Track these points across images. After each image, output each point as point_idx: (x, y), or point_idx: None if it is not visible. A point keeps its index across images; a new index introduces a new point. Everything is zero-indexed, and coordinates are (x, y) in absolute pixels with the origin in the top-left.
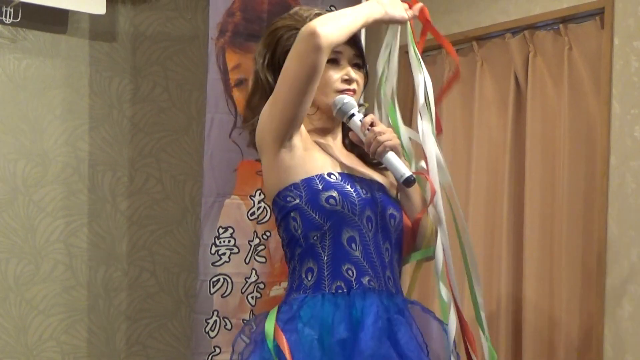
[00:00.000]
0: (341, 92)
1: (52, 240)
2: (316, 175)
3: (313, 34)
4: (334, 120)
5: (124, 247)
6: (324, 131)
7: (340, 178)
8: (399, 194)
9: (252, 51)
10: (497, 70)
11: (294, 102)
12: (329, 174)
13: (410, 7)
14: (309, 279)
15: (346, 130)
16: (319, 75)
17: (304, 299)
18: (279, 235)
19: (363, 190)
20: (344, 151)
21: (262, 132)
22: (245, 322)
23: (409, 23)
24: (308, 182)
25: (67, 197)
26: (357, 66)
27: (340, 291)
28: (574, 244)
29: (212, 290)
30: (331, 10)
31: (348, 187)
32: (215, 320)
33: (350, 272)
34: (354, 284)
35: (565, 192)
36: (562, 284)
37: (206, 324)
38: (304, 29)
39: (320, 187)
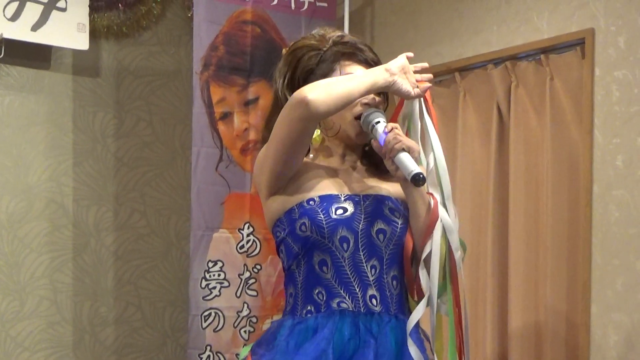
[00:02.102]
0: (358, 117)
1: (37, 275)
2: (296, 205)
3: (302, 103)
4: (348, 145)
5: (109, 282)
6: (337, 154)
7: (318, 201)
8: (410, 219)
9: (236, 85)
10: (480, 101)
11: (281, 162)
12: (309, 200)
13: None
14: (290, 302)
15: (364, 152)
16: (307, 141)
17: (281, 323)
18: None
19: (341, 210)
20: (354, 168)
21: (257, 177)
22: None
23: (422, 101)
24: (289, 214)
25: (51, 233)
26: (376, 93)
27: (309, 315)
28: (558, 274)
29: (204, 325)
30: None
31: (320, 210)
32: (209, 355)
33: (320, 295)
34: (322, 307)
35: (549, 222)
36: (547, 313)
37: (199, 359)
38: (295, 94)
39: (297, 216)
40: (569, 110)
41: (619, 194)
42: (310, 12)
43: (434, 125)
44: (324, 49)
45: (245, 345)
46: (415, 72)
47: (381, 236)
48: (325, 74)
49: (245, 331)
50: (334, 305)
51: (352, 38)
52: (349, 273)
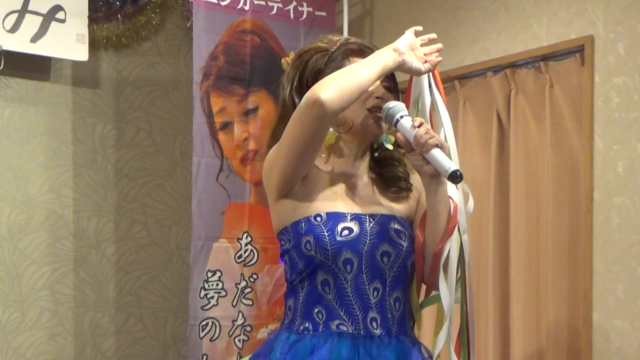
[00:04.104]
0: (373, 109)
1: (38, 287)
2: (303, 218)
3: (316, 103)
4: (361, 142)
5: (110, 292)
6: (350, 155)
7: (325, 219)
8: (427, 217)
9: (236, 94)
10: (480, 108)
11: (294, 162)
12: (316, 216)
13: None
14: (288, 315)
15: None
16: (321, 141)
17: (277, 336)
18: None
19: (346, 230)
20: (362, 179)
21: (266, 178)
22: None
23: (430, 75)
24: (295, 226)
25: (52, 244)
26: (387, 89)
27: (306, 332)
28: (560, 281)
29: (202, 335)
30: None
31: (326, 230)
32: None
33: (320, 314)
34: (320, 326)
35: (550, 229)
36: (549, 320)
37: None
38: (309, 95)
39: (303, 231)
40: (569, 117)
41: (620, 201)
42: (309, 22)
43: (442, 100)
44: (332, 49)
45: (239, 353)
46: (423, 45)
47: (385, 259)
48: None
49: (239, 340)
50: (333, 327)
51: (359, 40)
52: (350, 295)
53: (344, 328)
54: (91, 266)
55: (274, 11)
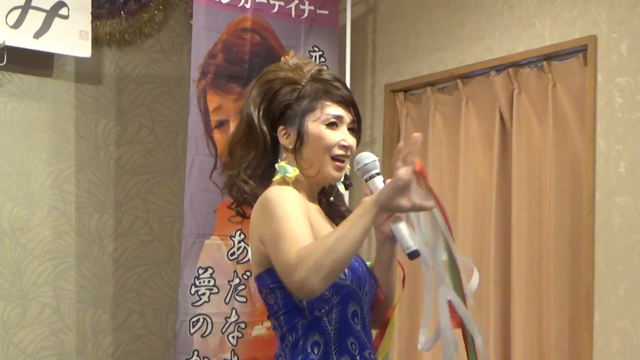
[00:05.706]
0: (337, 158)
1: (40, 283)
2: None
3: (302, 289)
4: (318, 184)
5: (111, 289)
6: (310, 193)
7: None
8: (379, 267)
9: (233, 92)
10: (482, 107)
11: None
12: None
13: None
14: (316, 352)
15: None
16: None
17: None
18: (265, 303)
19: (356, 262)
20: (322, 214)
21: (255, 239)
22: None
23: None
24: None
25: (54, 240)
26: (351, 130)
27: None
28: (561, 281)
29: (192, 331)
30: (314, 51)
31: (353, 260)
32: None
33: (354, 346)
34: (357, 358)
35: (552, 229)
36: (550, 320)
37: None
38: (294, 276)
39: None
40: (571, 117)
41: (622, 201)
42: (310, 20)
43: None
44: (303, 83)
45: (233, 350)
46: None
47: (370, 289)
48: (305, 112)
49: (233, 337)
50: (367, 355)
51: (329, 74)
52: (368, 325)
53: (372, 357)
54: (93, 262)
55: (275, 9)
